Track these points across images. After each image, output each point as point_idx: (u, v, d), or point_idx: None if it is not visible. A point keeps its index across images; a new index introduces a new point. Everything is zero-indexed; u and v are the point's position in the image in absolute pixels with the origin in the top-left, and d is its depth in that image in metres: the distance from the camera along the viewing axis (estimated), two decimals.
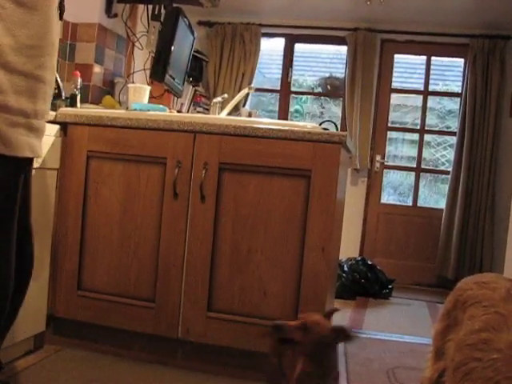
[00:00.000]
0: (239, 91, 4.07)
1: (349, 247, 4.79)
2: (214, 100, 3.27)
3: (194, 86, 4.45)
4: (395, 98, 5.32)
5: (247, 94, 4.71)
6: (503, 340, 1.15)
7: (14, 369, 2.19)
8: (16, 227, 1.72)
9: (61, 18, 1.71)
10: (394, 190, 5.50)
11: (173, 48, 2.81)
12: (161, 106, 2.70)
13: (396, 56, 5.25)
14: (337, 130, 3.14)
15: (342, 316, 3.61)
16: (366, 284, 4.34)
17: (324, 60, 5.76)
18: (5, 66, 1.50)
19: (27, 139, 1.62)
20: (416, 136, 5.30)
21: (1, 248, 1.64)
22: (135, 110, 2.55)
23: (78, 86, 2.75)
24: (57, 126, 2.36)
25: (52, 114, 2.32)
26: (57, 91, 2.48)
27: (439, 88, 5.39)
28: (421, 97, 5.27)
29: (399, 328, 3.48)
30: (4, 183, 1.60)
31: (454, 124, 5.22)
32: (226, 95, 3.37)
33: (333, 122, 3.46)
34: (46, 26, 1.59)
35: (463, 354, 1.21)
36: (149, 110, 2.53)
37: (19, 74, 1.54)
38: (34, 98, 1.61)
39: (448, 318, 1.49)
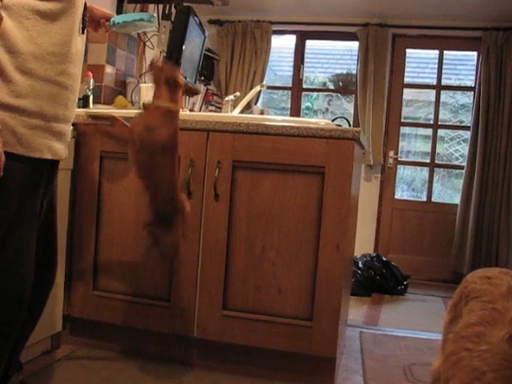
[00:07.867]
0: (251, 89, 4.06)
1: (363, 243, 4.77)
2: (226, 98, 3.26)
3: (205, 85, 4.47)
4: (408, 93, 5.28)
5: (259, 92, 4.71)
6: (495, 334, 1.17)
7: (32, 369, 2.21)
8: (37, 230, 1.73)
9: (83, 31, 1.75)
10: (408, 185, 5.47)
11: (184, 47, 2.81)
12: None
13: (408, 51, 5.20)
14: (349, 126, 3.13)
15: (358, 313, 3.61)
16: (381, 280, 4.32)
17: (335, 56, 5.74)
18: (27, 73, 1.55)
19: (47, 141, 1.64)
20: (429, 131, 5.26)
21: (20, 247, 1.65)
22: None
23: (91, 87, 2.76)
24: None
25: None
26: None
27: (452, 82, 5.34)
28: (434, 91, 5.22)
29: (415, 324, 3.46)
30: (23, 183, 1.61)
31: (467, 118, 5.17)
32: (238, 93, 3.37)
33: (345, 119, 3.46)
34: (68, 35, 1.64)
35: (456, 345, 1.24)
36: None
37: (41, 80, 1.58)
38: (54, 103, 1.64)
39: (455, 310, 1.51)
